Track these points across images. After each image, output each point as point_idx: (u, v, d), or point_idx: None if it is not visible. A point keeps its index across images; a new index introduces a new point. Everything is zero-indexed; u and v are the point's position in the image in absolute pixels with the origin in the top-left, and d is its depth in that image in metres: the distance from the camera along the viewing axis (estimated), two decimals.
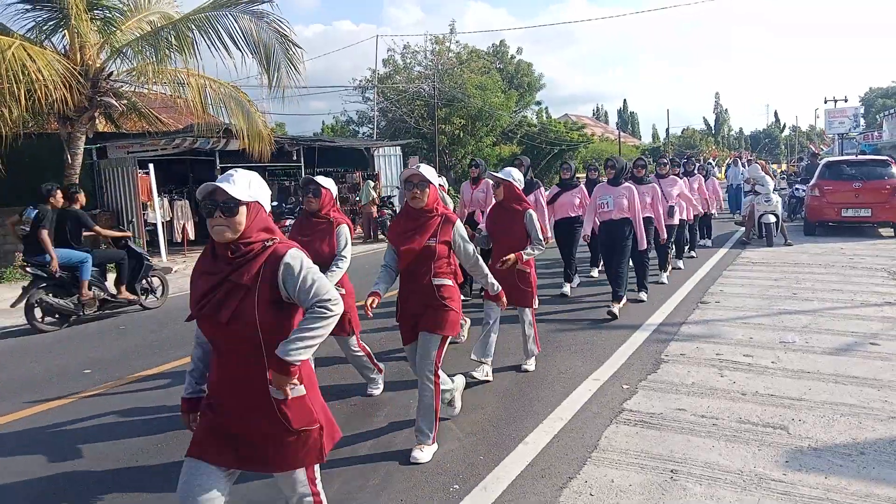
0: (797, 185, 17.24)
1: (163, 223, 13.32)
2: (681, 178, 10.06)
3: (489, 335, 5.04)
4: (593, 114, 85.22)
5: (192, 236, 14.79)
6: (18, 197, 12.28)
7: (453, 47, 31.31)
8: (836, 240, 12.50)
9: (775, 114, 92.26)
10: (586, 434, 3.97)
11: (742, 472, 3.39)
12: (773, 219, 12.16)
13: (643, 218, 7.36)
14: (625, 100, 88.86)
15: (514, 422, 4.22)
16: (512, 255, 4.79)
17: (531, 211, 4.99)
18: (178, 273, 11.82)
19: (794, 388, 4.60)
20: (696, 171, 11.48)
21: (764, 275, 9.14)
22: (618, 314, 6.85)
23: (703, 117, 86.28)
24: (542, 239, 4.96)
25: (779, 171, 34.29)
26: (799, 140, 73.40)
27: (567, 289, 8.37)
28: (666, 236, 8.06)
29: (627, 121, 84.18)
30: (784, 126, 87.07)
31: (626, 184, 7.01)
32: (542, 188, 7.48)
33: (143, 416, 4.65)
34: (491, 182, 5.57)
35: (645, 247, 7.13)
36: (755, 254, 11.23)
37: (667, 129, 62.76)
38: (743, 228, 13.73)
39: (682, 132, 70.00)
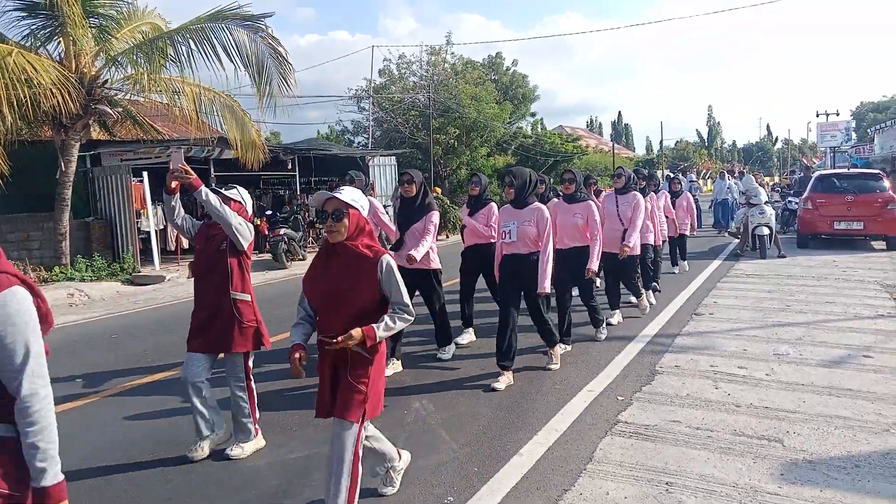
0: (790, 198, 17.34)
1: (156, 231, 13.27)
2: (647, 194, 8.24)
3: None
4: (587, 125, 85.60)
5: (185, 245, 14.72)
6: (12, 205, 12.25)
7: (449, 58, 31.43)
8: (828, 252, 12.57)
9: (767, 127, 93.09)
10: (581, 446, 3.96)
11: (737, 485, 3.38)
12: (766, 231, 12.23)
13: (576, 248, 6.11)
14: (619, 111, 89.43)
15: (508, 433, 4.20)
16: (356, 331, 2.85)
17: (388, 258, 3.00)
18: (170, 282, 11.78)
19: (789, 401, 4.60)
20: (659, 188, 9.66)
21: (758, 287, 9.16)
22: (502, 387, 5.03)
23: (696, 130, 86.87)
24: (407, 302, 3.01)
25: (771, 183, 34.49)
26: (791, 153, 73.93)
27: (464, 339, 6.50)
28: (595, 268, 6.15)
29: (622, 132, 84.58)
30: (776, 139, 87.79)
31: (535, 205, 5.23)
32: (436, 212, 5.77)
33: (131, 426, 4.61)
34: (313, 204, 3.40)
35: (545, 290, 5.13)
36: (749, 266, 11.27)
37: (660, 141, 63.17)
38: (737, 240, 13.79)
39: (675, 144, 70.43)
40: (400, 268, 5.42)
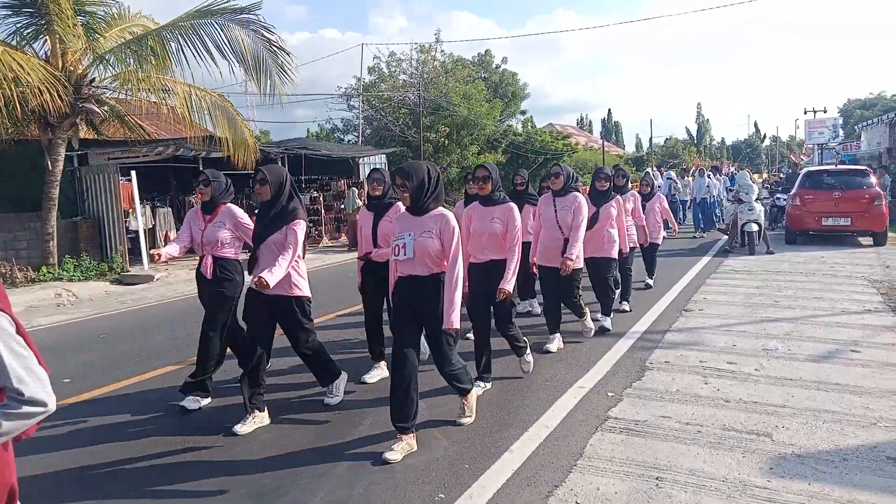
0: (778, 195, 17.43)
1: (145, 231, 13.20)
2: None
3: None
4: (578, 123, 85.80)
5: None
6: None
7: (439, 56, 31.45)
8: (816, 248, 12.66)
9: (755, 124, 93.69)
10: (572, 442, 3.97)
11: (727, 480, 3.40)
12: (755, 227, 12.30)
13: (495, 261, 4.86)
14: (609, 109, 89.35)
15: (499, 430, 4.20)
16: None
17: None
18: (159, 282, 11.71)
19: (778, 395, 4.63)
20: (625, 187, 7.80)
21: (746, 283, 9.22)
22: (398, 457, 3.80)
23: (686, 127, 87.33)
24: (24, 388, 1.80)
25: (760, 180, 34.67)
26: (780, 150, 74.44)
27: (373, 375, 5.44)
28: (510, 289, 4.76)
29: (612, 130, 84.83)
30: (764, 136, 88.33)
31: (438, 211, 4.01)
32: (300, 220, 4.41)
33: (121, 426, 4.57)
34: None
35: (453, 325, 3.88)
36: (737, 262, 11.33)
37: (650, 139, 63.38)
38: (725, 237, 13.87)
39: (665, 141, 70.74)
40: (257, 295, 4.34)
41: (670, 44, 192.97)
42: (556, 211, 5.92)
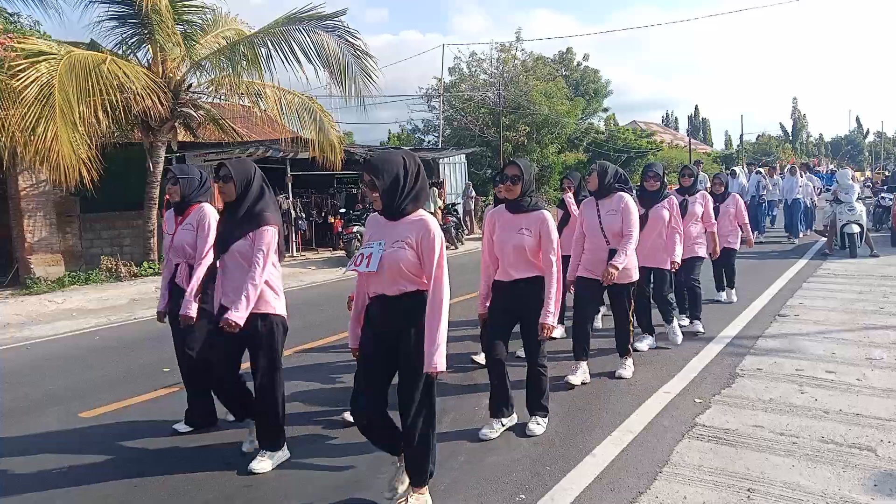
0: (883, 194, 16.31)
1: None
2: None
3: None
4: (662, 120, 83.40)
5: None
6: (106, 204, 13.02)
7: (519, 55, 31.24)
8: None
9: (857, 119, 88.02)
10: (657, 448, 3.86)
11: (825, 495, 3.22)
12: (856, 229, 11.56)
13: (524, 280, 4.06)
14: (696, 105, 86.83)
15: (581, 433, 4.14)
16: None
17: None
18: None
19: (883, 408, 4.34)
20: (693, 188, 6.86)
21: (847, 287, 8.68)
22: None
23: (780, 123, 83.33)
24: None
25: (861, 178, 32.54)
26: (885, 146, 69.68)
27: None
28: (553, 322, 4.02)
29: (699, 127, 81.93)
30: (867, 132, 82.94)
31: (417, 215, 3.17)
32: (270, 227, 3.67)
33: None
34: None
35: (436, 368, 3.03)
36: (837, 265, 10.69)
37: (740, 136, 60.79)
38: (824, 238, 13.11)
39: (757, 138, 67.59)
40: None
41: (760, 37, 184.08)
42: (599, 216, 5.02)
